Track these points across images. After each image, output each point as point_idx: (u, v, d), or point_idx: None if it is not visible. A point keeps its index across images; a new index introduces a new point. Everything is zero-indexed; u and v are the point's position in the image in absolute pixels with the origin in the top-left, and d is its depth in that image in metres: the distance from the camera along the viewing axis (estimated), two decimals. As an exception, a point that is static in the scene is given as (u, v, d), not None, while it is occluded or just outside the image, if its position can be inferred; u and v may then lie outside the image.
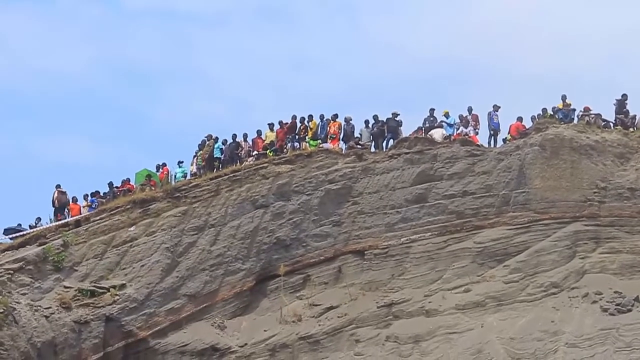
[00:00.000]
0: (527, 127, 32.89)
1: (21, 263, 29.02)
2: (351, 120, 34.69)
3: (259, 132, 35.50)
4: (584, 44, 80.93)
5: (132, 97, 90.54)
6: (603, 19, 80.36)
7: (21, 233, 33.29)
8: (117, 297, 29.39)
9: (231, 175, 32.76)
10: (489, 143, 33.51)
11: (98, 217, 31.62)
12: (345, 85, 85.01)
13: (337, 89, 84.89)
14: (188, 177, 35.22)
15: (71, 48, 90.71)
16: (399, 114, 34.29)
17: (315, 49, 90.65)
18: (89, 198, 35.98)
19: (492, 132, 33.59)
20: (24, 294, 28.34)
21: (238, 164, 34.29)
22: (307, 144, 34.45)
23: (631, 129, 32.17)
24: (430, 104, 34.60)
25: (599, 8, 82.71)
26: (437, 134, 33.06)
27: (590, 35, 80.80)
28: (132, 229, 31.07)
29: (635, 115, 32.60)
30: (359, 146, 33.88)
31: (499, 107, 33.73)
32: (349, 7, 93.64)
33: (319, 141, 34.38)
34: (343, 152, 33.92)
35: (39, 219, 35.56)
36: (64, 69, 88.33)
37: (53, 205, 35.52)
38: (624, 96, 32.66)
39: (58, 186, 35.99)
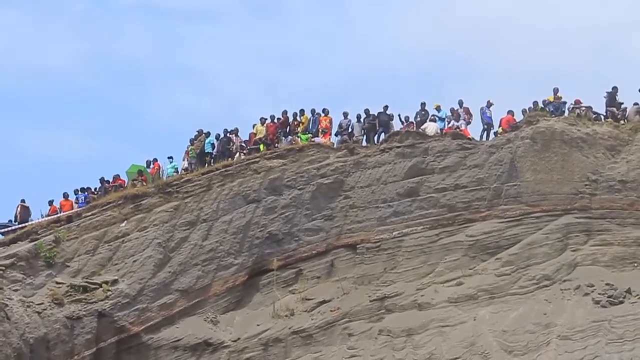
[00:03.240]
0: (518, 120, 32.93)
1: (13, 259, 28.86)
2: (348, 114, 34.68)
3: (254, 127, 35.36)
4: (573, 37, 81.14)
5: (121, 93, 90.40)
6: (593, 12, 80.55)
7: (12, 228, 33.19)
8: (110, 292, 29.31)
9: (223, 170, 32.68)
10: (482, 138, 33.55)
11: (90, 213, 31.45)
12: (335, 80, 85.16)
13: (327, 83, 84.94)
14: (179, 172, 35.09)
15: (59, 43, 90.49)
16: (388, 107, 34.32)
17: (305, 44, 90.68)
18: (79, 193, 35.78)
19: (485, 126, 33.63)
20: (15, 290, 28.21)
21: (230, 158, 34.24)
22: (299, 139, 34.43)
23: (622, 121, 32.22)
24: (421, 99, 34.63)
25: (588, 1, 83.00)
26: (430, 128, 33.04)
27: (579, 28, 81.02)
28: (124, 224, 30.97)
29: (625, 108, 32.66)
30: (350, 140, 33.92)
31: (492, 104, 33.79)
32: (338, 1, 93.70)
33: (310, 135, 34.36)
34: (334, 146, 33.93)
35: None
36: (52, 64, 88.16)
37: (15, 220, 34.68)
38: (615, 89, 32.72)
39: (22, 201, 35.12)
